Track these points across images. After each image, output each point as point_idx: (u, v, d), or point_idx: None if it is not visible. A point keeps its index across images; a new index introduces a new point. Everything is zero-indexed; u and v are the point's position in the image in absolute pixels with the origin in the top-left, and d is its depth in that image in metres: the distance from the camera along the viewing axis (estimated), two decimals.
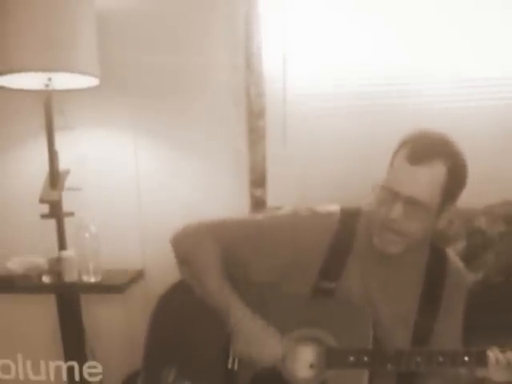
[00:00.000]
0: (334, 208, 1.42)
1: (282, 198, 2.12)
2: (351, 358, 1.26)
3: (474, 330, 1.72)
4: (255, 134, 2.15)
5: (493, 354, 1.22)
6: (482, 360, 1.22)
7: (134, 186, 2.23)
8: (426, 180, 1.25)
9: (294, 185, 2.14)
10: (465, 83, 2.04)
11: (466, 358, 1.23)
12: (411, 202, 1.25)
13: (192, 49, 2.16)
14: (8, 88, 2.00)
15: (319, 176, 2.12)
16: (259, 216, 1.44)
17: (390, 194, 1.27)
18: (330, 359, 1.29)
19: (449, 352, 1.26)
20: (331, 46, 2.09)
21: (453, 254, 1.46)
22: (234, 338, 1.33)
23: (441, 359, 1.25)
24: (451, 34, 2.01)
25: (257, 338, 1.31)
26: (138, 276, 2.14)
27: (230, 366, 1.36)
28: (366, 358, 1.26)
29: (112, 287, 2.01)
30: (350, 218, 1.39)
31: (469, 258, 1.87)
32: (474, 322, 1.49)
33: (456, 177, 1.29)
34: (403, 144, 1.31)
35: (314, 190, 2.09)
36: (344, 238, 1.37)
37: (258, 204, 2.15)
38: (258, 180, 2.16)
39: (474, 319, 1.50)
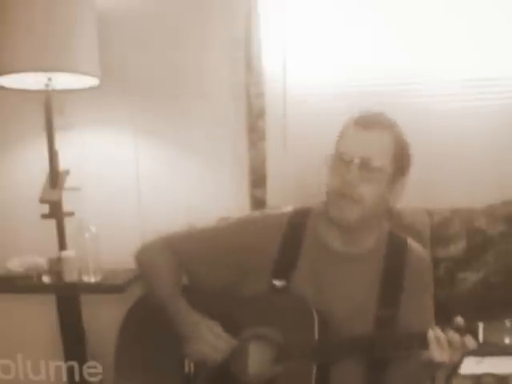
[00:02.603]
0: (286, 208, 1.47)
1: (282, 197, 2.12)
2: (297, 352, 1.30)
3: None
4: (255, 134, 2.15)
5: (433, 333, 1.21)
6: (425, 341, 1.21)
7: (134, 186, 2.23)
8: (378, 143, 1.31)
9: (294, 185, 2.14)
10: (465, 83, 2.04)
11: (409, 342, 1.24)
12: (365, 165, 1.29)
13: (192, 49, 2.16)
14: (8, 88, 2.01)
15: (319, 176, 2.12)
16: (214, 224, 1.49)
17: (343, 160, 1.32)
18: (278, 354, 1.33)
19: (390, 336, 1.28)
20: (331, 46, 2.09)
21: (413, 241, 1.45)
22: (186, 340, 1.38)
23: (384, 344, 1.26)
24: (451, 34, 2.01)
25: (206, 338, 1.36)
26: (138, 276, 2.13)
27: (187, 370, 1.42)
28: (310, 351, 1.30)
29: (112, 287, 2.01)
30: (299, 218, 1.43)
31: (469, 258, 1.87)
32: (473, 322, 1.49)
33: (402, 150, 1.35)
34: (350, 119, 1.36)
35: (313, 190, 2.09)
36: (294, 237, 1.41)
37: (258, 204, 2.15)
38: (258, 180, 2.16)
39: (473, 319, 1.49)
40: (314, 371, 1.29)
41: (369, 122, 1.33)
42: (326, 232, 1.39)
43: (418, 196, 2.02)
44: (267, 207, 2.14)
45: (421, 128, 2.06)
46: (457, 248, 1.88)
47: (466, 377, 1.65)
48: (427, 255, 1.45)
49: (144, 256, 1.48)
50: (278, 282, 1.37)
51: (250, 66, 2.11)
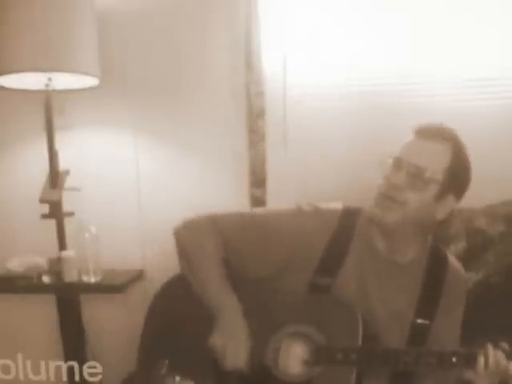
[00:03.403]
0: (336, 205, 1.45)
1: (282, 198, 2.12)
2: (339, 356, 1.28)
3: (474, 330, 1.73)
4: (255, 134, 2.15)
5: (488, 352, 1.21)
6: (470, 362, 1.22)
7: (134, 186, 2.23)
8: (431, 154, 1.31)
9: (294, 185, 2.14)
10: (465, 83, 2.04)
11: (454, 359, 1.24)
12: (415, 173, 1.29)
13: (192, 49, 2.16)
14: (8, 88, 2.01)
15: (319, 176, 2.12)
16: (262, 210, 1.46)
17: (395, 165, 1.32)
18: (319, 356, 1.31)
19: (436, 352, 1.27)
20: (331, 45, 2.09)
21: (453, 256, 1.48)
22: (215, 328, 1.36)
23: (428, 359, 1.26)
24: (451, 34, 2.01)
25: (232, 337, 1.33)
26: (138, 276, 2.14)
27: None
28: (353, 356, 1.28)
29: (112, 287, 2.01)
30: (350, 217, 1.42)
31: (469, 258, 1.87)
32: (474, 322, 1.50)
33: (459, 167, 1.34)
34: (413, 128, 1.37)
35: (314, 190, 2.09)
36: (343, 236, 1.39)
37: (258, 204, 2.14)
38: (258, 180, 2.16)
39: (473, 319, 1.50)
40: (354, 378, 1.28)
41: (429, 133, 1.33)
42: (374, 235, 1.39)
43: None
44: (267, 207, 2.14)
45: None
46: (457, 248, 1.88)
47: None
48: (464, 273, 1.47)
49: (189, 234, 1.44)
50: (321, 281, 1.35)
51: (249, 65, 2.11)
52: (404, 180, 1.29)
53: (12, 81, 1.96)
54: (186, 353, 1.41)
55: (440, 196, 1.32)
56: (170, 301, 1.47)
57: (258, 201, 2.15)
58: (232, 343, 1.33)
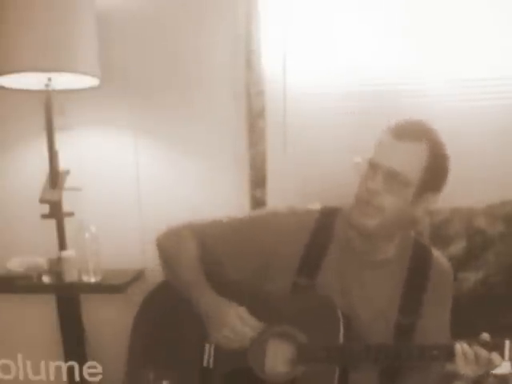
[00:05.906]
0: (315, 206, 1.46)
1: (282, 198, 2.12)
2: (322, 354, 1.30)
3: (474, 329, 1.73)
4: (255, 134, 2.15)
5: (460, 347, 1.22)
6: (450, 354, 1.23)
7: (134, 186, 2.23)
8: (408, 155, 1.29)
9: (294, 185, 2.14)
10: (465, 83, 2.04)
11: (435, 352, 1.24)
12: (391, 175, 1.28)
13: (192, 49, 2.16)
14: (8, 88, 2.01)
15: (319, 176, 2.12)
16: (240, 215, 1.47)
17: (372, 168, 1.31)
18: (302, 355, 1.32)
19: (417, 346, 1.28)
20: (331, 45, 2.09)
21: (437, 250, 1.46)
22: (210, 325, 1.36)
23: (409, 354, 1.26)
24: (452, 34, 2.01)
25: (233, 323, 1.34)
26: (137, 276, 2.14)
27: (205, 364, 1.39)
28: (335, 354, 1.29)
29: (112, 287, 2.01)
30: (328, 217, 1.43)
31: (469, 258, 1.87)
32: (474, 322, 1.50)
33: (437, 164, 1.32)
34: (388, 127, 1.35)
35: (314, 190, 2.09)
36: (322, 236, 1.40)
37: (258, 204, 2.14)
38: (258, 180, 2.16)
39: (473, 319, 1.50)
40: (337, 375, 1.29)
41: (403, 133, 1.30)
42: (353, 235, 1.39)
43: None
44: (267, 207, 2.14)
45: None
46: (457, 248, 1.88)
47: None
48: (450, 267, 1.45)
49: (168, 241, 1.46)
50: (303, 280, 1.36)
51: (250, 65, 2.11)
52: (381, 185, 1.28)
53: (12, 81, 1.96)
54: (173, 359, 1.42)
55: (417, 196, 1.31)
56: (155, 310, 1.48)
57: (258, 201, 2.15)
58: (229, 327, 1.33)
